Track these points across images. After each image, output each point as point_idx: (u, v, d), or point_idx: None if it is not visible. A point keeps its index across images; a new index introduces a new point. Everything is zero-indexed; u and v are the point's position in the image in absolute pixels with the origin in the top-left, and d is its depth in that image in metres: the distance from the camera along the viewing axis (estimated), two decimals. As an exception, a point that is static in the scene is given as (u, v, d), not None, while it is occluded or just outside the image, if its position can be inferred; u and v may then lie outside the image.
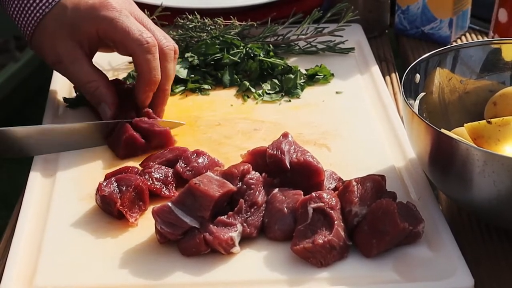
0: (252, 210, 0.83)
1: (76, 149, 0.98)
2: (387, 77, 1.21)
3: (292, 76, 1.13)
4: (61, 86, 1.14)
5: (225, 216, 0.82)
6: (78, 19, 0.97)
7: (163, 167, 0.91)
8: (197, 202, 0.81)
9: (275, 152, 0.87)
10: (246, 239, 0.82)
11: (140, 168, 0.92)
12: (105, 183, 0.87)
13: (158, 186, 0.89)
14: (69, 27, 0.97)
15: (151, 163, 0.92)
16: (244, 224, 0.82)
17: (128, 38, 0.96)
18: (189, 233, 0.80)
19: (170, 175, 0.91)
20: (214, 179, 0.83)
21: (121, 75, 1.15)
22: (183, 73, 1.13)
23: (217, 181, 0.83)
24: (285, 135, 0.90)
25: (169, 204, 0.81)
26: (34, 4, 0.97)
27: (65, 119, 1.05)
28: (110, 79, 1.03)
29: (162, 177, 0.90)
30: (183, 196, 0.81)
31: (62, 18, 0.97)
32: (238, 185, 0.84)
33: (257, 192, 0.84)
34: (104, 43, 1.02)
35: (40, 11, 0.97)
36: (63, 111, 1.07)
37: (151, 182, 0.89)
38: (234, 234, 0.81)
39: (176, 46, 1.02)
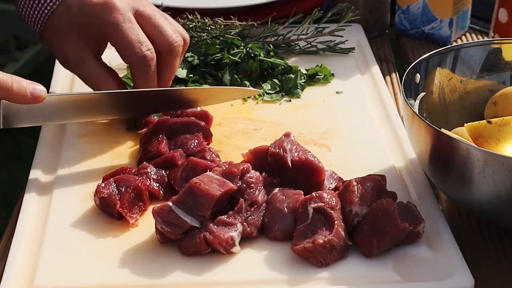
0: (252, 209, 0.83)
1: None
2: (387, 77, 1.21)
3: (293, 76, 1.13)
4: (61, 86, 1.14)
5: (225, 216, 0.82)
6: (83, 19, 0.96)
7: (159, 169, 0.91)
8: (197, 201, 0.81)
9: (277, 150, 0.87)
10: (246, 239, 0.82)
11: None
12: (103, 185, 0.86)
13: (156, 188, 0.89)
14: (75, 27, 0.96)
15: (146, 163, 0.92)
16: (244, 223, 0.82)
17: (126, 49, 0.96)
18: (190, 233, 0.80)
19: (166, 176, 0.91)
20: (214, 178, 0.83)
21: (121, 75, 1.15)
22: (182, 73, 1.13)
23: (217, 180, 0.83)
24: (287, 135, 0.91)
25: (170, 203, 0.81)
26: (42, 1, 0.96)
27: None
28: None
29: (158, 178, 0.90)
30: (183, 195, 0.81)
31: (68, 17, 0.96)
32: (238, 184, 0.84)
33: (256, 191, 0.84)
34: None
35: (48, 8, 0.96)
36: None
37: (149, 182, 0.89)
38: (235, 233, 0.81)
39: (187, 37, 1.02)
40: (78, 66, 0.98)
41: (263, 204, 0.84)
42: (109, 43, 1.01)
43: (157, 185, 0.89)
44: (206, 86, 1.02)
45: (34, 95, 0.88)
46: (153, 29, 0.98)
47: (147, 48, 0.96)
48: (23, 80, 0.87)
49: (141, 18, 0.98)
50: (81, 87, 1.13)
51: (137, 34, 0.96)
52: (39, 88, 0.88)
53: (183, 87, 0.98)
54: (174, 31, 1.00)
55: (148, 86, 0.98)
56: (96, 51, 0.99)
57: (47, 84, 1.14)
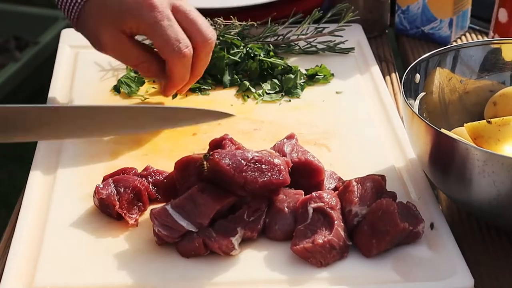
0: (255, 215, 0.83)
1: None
2: (387, 77, 1.21)
3: (292, 76, 1.13)
4: (61, 86, 1.13)
5: (225, 220, 0.81)
6: (123, 11, 0.97)
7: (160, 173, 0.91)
8: (197, 209, 0.80)
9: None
10: (246, 240, 0.82)
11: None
12: (102, 185, 0.86)
13: (153, 191, 0.89)
14: (113, 16, 0.98)
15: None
16: (246, 228, 0.81)
17: (165, 47, 0.97)
18: (187, 236, 0.80)
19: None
20: (216, 188, 0.82)
21: (121, 75, 1.15)
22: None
23: (220, 190, 0.81)
24: (290, 137, 0.90)
25: (167, 207, 0.81)
26: None
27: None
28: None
29: (158, 181, 0.90)
30: (183, 200, 0.81)
31: (107, 5, 0.98)
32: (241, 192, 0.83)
33: (261, 200, 0.83)
34: None
35: None
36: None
37: (148, 183, 0.89)
38: (234, 238, 0.80)
39: (215, 34, 1.03)
40: (114, 51, 1.00)
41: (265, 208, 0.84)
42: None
43: (155, 189, 0.89)
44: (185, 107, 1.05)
45: None
46: (189, 25, 1.00)
47: (185, 46, 0.98)
48: None
49: (178, 14, 0.99)
50: (81, 88, 1.13)
51: (175, 32, 0.98)
52: None
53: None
54: (208, 27, 1.01)
55: (183, 80, 1.01)
56: (131, 35, 1.00)
57: (47, 84, 1.14)
